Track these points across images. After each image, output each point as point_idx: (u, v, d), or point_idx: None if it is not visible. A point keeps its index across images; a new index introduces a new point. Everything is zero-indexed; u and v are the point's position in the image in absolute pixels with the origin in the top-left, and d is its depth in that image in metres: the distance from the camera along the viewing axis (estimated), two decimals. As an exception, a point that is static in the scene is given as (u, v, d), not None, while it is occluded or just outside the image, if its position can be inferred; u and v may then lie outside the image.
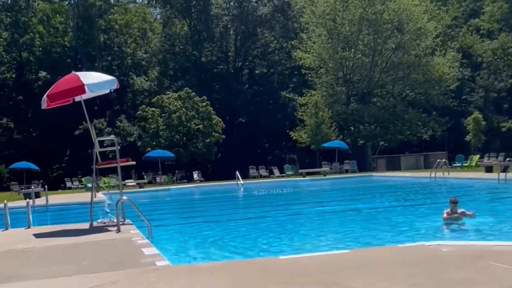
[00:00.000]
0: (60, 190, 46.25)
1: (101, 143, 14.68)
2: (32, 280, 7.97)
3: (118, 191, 34.22)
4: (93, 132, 14.31)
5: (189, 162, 55.59)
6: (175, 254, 10.61)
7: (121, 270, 8.18)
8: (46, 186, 27.74)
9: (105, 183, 40.84)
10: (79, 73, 13.35)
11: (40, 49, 69.05)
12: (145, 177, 47.42)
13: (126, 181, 43.06)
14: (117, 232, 12.75)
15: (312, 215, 18.39)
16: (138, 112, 55.65)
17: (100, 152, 14.26)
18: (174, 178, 49.98)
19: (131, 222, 14.07)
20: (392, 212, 17.44)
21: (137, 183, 42.41)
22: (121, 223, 13.88)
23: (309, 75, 61.13)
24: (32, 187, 36.44)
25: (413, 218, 15.39)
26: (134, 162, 14.62)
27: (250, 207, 23.60)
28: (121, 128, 60.96)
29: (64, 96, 13.14)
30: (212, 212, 21.26)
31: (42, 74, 67.03)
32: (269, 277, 7.10)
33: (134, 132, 59.22)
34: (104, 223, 14.80)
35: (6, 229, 14.77)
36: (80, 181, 49.49)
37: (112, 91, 14.35)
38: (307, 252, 9.83)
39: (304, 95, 58.28)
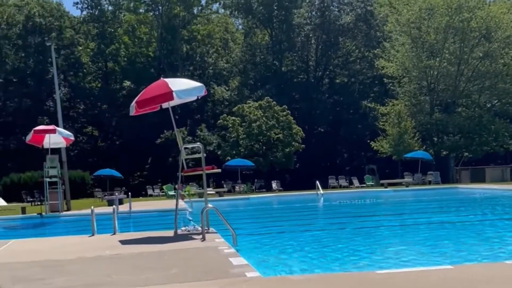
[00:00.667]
0: (141, 198, 46.98)
1: (187, 151, 14.56)
2: (122, 287, 7.84)
3: (198, 199, 34.53)
4: (179, 139, 14.25)
5: (268, 171, 55.44)
6: (262, 265, 10.28)
7: (211, 280, 7.94)
8: (129, 193, 28.11)
9: (186, 191, 41.14)
10: (167, 80, 13.30)
11: (125, 59, 70.77)
12: (224, 185, 47.55)
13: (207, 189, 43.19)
14: (202, 241, 12.58)
15: (401, 227, 17.70)
16: (218, 121, 56.01)
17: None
18: (253, 187, 49.91)
19: (215, 231, 13.86)
20: (493, 227, 16.54)
21: (216, 192, 42.51)
22: (205, 231, 13.76)
23: (391, 84, 59.99)
24: (116, 194, 37.10)
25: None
26: (219, 170, 14.47)
27: (333, 217, 23.05)
28: (201, 137, 61.53)
29: (153, 103, 13.12)
30: (295, 222, 20.87)
31: (127, 83, 68.64)
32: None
33: (214, 141, 59.67)
34: (188, 231, 14.67)
35: (93, 235, 14.88)
36: (161, 189, 50.11)
37: (199, 98, 14.24)
38: (403, 267, 9.31)
39: (386, 104, 57.18)
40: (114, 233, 14.97)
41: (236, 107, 55.58)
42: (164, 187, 48.24)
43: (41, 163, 55.34)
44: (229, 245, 11.53)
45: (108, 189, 48.30)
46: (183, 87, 13.12)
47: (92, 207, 16.04)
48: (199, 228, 14.61)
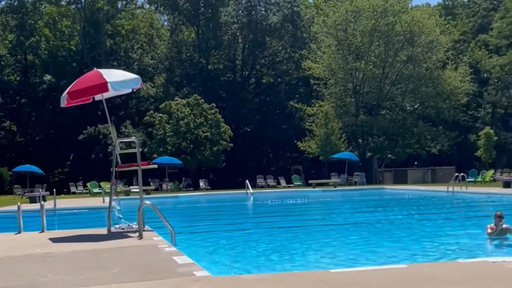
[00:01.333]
0: (63, 195, 45.42)
1: (122, 145, 13.91)
2: (62, 288, 7.24)
3: (125, 196, 33.58)
4: (114, 134, 13.60)
5: (195, 170, 54.84)
6: (207, 264, 9.82)
7: (158, 280, 7.46)
8: (54, 190, 27.00)
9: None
10: (101, 70, 12.66)
11: (46, 52, 68.40)
12: (151, 183, 46.59)
13: (131, 187, 42.31)
14: (140, 239, 12.02)
15: (340, 226, 17.65)
16: (145, 118, 54.94)
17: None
18: (180, 186, 49.21)
19: (151, 229, 13.32)
20: (431, 227, 16.68)
21: (143, 190, 41.53)
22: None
23: (318, 85, 60.53)
24: (40, 190, 35.70)
25: (453, 233, 14.64)
26: (155, 166, 13.95)
27: (267, 216, 22.81)
28: (126, 133, 60.20)
29: (86, 94, 12.43)
30: (229, 221, 20.51)
31: (47, 77, 66.32)
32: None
33: (139, 138, 58.55)
34: (122, 228, 14.06)
35: (19, 232, 14.04)
36: (85, 186, 48.70)
37: (134, 90, 13.63)
38: (359, 265, 9.08)
39: (313, 105, 57.64)
40: (43, 231, 14.18)
41: (163, 104, 54.61)
42: (88, 184, 46.89)
43: None
44: (169, 243, 11.05)
45: (29, 185, 46.46)
46: (118, 79, 12.50)
47: (19, 203, 15.15)
48: (134, 226, 14.03)
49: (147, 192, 40.06)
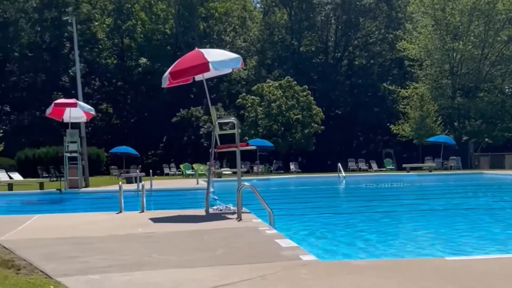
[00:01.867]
0: (156, 176, 46.42)
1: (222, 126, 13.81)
2: (167, 269, 7.14)
3: (217, 178, 33.81)
4: (214, 114, 13.48)
5: (286, 152, 54.71)
6: (312, 248, 9.55)
7: (263, 263, 7.24)
8: (151, 171, 27.42)
9: (200, 170, 40.49)
10: (203, 50, 12.56)
11: (142, 35, 69.93)
12: (242, 166, 46.78)
13: (221, 169, 42.63)
14: (238, 220, 11.89)
15: (441, 211, 16.94)
16: (238, 100, 55.24)
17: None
18: (271, 168, 49.24)
19: (248, 211, 13.14)
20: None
21: (233, 172, 41.79)
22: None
23: (412, 67, 58.90)
24: (137, 171, 36.53)
25: None
26: (254, 147, 13.78)
27: (364, 200, 22.30)
28: (218, 116, 60.79)
29: (187, 74, 12.37)
30: (324, 204, 20.17)
31: (143, 60, 67.89)
32: (452, 283, 5.92)
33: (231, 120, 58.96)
34: (220, 210, 14.02)
35: (120, 212, 14.24)
36: (178, 168, 49.55)
37: (234, 70, 13.47)
38: (472, 253, 8.57)
39: (407, 87, 56.17)
40: (142, 211, 14.34)
41: (255, 86, 54.73)
42: (181, 166, 47.69)
43: (54, 139, 54.92)
44: (269, 226, 10.86)
45: (124, 166, 47.77)
46: (219, 58, 12.35)
47: (120, 183, 15.39)
48: (232, 208, 13.97)
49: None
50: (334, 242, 11.35)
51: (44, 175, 41.27)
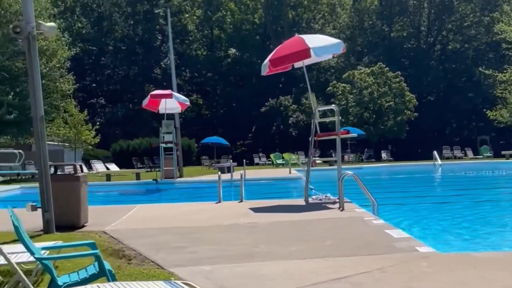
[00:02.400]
0: (246, 166, 46.61)
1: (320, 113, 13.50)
2: (277, 260, 6.97)
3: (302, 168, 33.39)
4: (314, 101, 13.21)
5: (377, 141, 53.72)
6: (425, 238, 9.14)
7: (377, 255, 6.95)
8: (244, 161, 27.45)
9: (288, 159, 40.18)
10: (303, 36, 12.33)
11: (231, 26, 70.33)
12: (333, 155, 46.29)
13: (313, 158, 42.06)
14: (341, 210, 11.63)
15: None
16: (328, 88, 54.65)
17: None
18: (362, 157, 48.47)
19: (349, 200, 12.81)
20: None
21: (324, 161, 41.33)
22: (337, 200, 12.83)
23: (511, 50, 56.30)
24: (230, 161, 36.70)
25: None
26: (355, 135, 13.43)
27: (466, 189, 21.43)
28: (307, 105, 60.48)
29: (287, 61, 12.16)
30: (425, 193, 19.52)
31: (232, 51, 68.31)
32: None
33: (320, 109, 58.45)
34: (320, 199, 13.78)
35: (219, 201, 14.24)
36: (267, 157, 49.57)
37: (335, 56, 13.13)
38: None
39: (505, 71, 53.80)
40: (241, 201, 14.31)
41: (346, 74, 53.97)
42: (271, 155, 47.68)
43: (146, 131, 55.95)
44: (374, 216, 10.52)
45: (215, 157, 48.24)
46: (320, 44, 12.08)
47: (219, 173, 15.39)
48: (331, 197, 13.70)
49: (329, 163, 39.81)
50: (443, 232, 10.89)
51: (138, 166, 42.27)
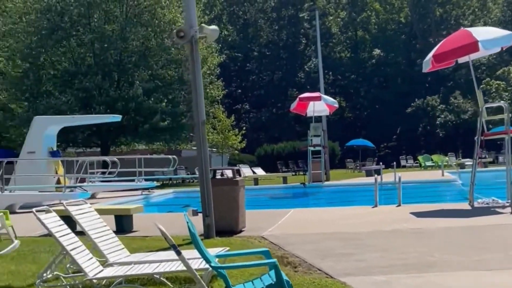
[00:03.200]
0: (391, 169, 45.35)
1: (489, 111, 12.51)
2: (460, 271, 6.35)
3: (460, 170, 31.85)
4: (480, 98, 12.29)
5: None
6: None
7: None
8: (394, 164, 26.52)
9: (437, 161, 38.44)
10: (470, 29, 11.51)
11: (376, 26, 69.08)
12: (486, 156, 43.79)
13: (463, 160, 40.21)
14: (515, 216, 10.70)
15: None
16: (481, 86, 52.00)
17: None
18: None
19: (521, 205, 11.73)
20: None
21: (482, 162, 39.05)
22: (507, 204, 11.85)
23: None
24: (380, 164, 35.79)
25: None
26: (526, 134, 12.29)
27: None
28: (455, 104, 57.96)
29: (453, 56, 11.40)
30: None
31: (376, 52, 67.07)
32: None
33: (469, 109, 55.76)
34: (487, 203, 12.80)
35: (376, 205, 13.65)
36: (415, 159, 47.93)
37: (503, 49, 12.15)
38: None
39: None
40: (399, 205, 13.63)
41: (501, 71, 51.07)
42: (419, 157, 46.06)
43: (289, 135, 55.97)
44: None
45: (360, 159, 47.38)
46: (489, 36, 11.20)
47: (376, 176, 14.79)
48: (499, 201, 12.72)
49: (484, 164, 37.70)
50: None
51: (283, 170, 42.31)
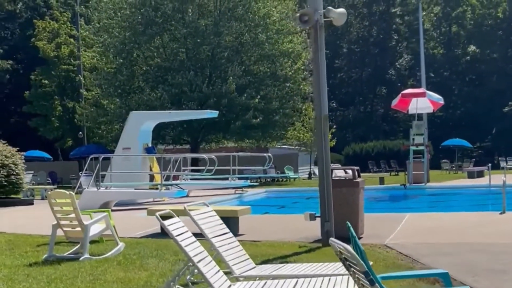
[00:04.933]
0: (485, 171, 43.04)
1: None
2: None
3: None
4: None
5: None
6: None
7: None
8: (489, 165, 24.61)
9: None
10: None
11: (471, 22, 66.26)
12: None
13: None
14: None
15: None
16: None
17: None
18: None
19: None
20: None
21: None
22: None
23: None
24: (471, 165, 33.92)
25: None
26: None
27: None
28: None
29: None
30: None
31: (471, 48, 64.36)
32: None
33: None
34: None
35: (503, 212, 12.29)
36: (514, 160, 45.35)
37: None
38: None
39: None
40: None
41: None
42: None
43: (377, 133, 54.35)
44: None
45: (456, 160, 45.27)
46: None
47: (504, 178, 13.47)
48: None
49: None
50: None
51: (374, 170, 40.85)
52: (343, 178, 9.66)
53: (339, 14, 8.17)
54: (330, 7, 8.22)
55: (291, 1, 33.73)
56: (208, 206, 6.34)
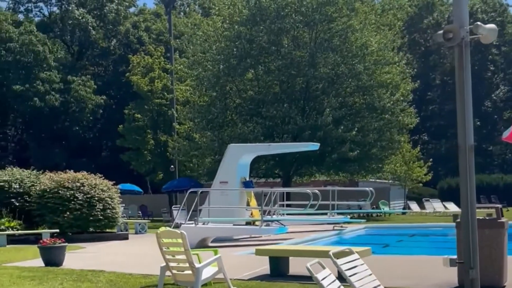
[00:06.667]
0: None
1: None
2: None
3: None
4: None
5: None
6: None
7: None
8: None
9: None
10: None
11: None
12: None
13: None
14: None
15: None
16: None
17: None
18: None
19: None
20: None
21: None
22: None
23: None
24: None
25: None
26: None
27: None
28: None
29: None
30: None
31: None
32: None
33: None
34: None
35: None
36: None
37: None
38: None
39: None
40: None
41: None
42: None
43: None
44: None
45: None
46: None
47: None
48: None
49: None
50: None
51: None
52: (486, 218, 8.56)
53: (489, 30, 7.18)
54: (479, 23, 7.23)
55: (390, 31, 32.75)
56: (353, 252, 5.46)
